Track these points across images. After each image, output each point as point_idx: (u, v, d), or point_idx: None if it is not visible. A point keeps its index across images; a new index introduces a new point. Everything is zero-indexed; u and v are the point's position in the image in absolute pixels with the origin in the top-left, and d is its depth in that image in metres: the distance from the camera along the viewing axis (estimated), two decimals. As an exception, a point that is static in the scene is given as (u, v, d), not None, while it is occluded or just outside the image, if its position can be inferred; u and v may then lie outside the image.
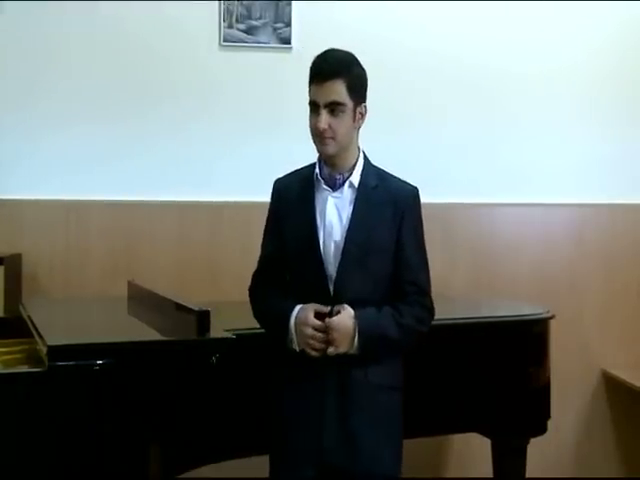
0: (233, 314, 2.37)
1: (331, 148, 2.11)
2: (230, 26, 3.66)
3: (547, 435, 3.00)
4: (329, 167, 2.17)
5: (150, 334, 2.46)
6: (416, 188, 2.23)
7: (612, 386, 3.93)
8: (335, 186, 2.17)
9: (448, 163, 3.84)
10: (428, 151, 3.82)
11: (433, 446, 3.75)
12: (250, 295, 2.31)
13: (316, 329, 2.09)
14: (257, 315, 2.28)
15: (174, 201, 3.62)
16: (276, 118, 3.63)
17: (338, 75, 2.07)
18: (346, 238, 2.13)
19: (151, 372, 2.15)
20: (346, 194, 2.17)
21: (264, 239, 2.30)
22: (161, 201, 3.62)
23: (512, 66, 3.89)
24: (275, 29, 3.68)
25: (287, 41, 3.67)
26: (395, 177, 2.25)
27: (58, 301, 3.28)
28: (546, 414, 2.98)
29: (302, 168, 2.27)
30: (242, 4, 3.66)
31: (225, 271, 3.47)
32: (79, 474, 2.04)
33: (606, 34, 3.95)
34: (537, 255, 3.90)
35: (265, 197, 2.33)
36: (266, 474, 2.27)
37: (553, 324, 3.02)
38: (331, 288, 2.14)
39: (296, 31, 3.66)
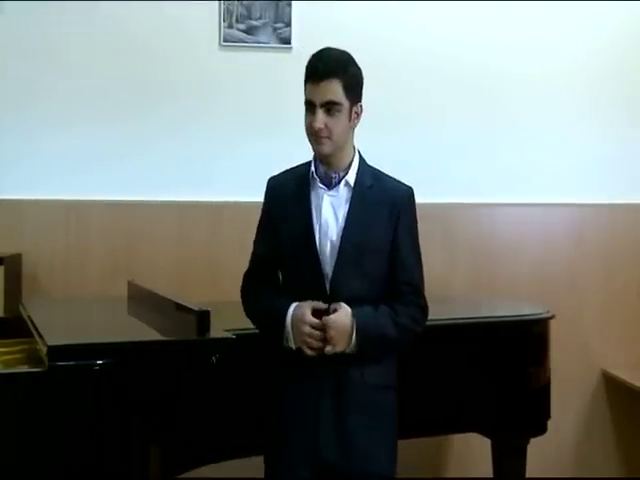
0: (233, 314, 2.37)
1: (327, 147, 2.11)
2: (230, 26, 3.66)
3: (547, 435, 3.00)
4: (324, 166, 2.17)
5: (150, 334, 2.46)
6: (411, 188, 2.23)
7: (612, 386, 3.93)
8: (331, 185, 2.17)
9: (448, 163, 3.84)
10: (428, 151, 3.82)
11: (433, 446, 3.75)
12: (242, 294, 2.29)
13: (313, 327, 2.08)
14: (250, 314, 2.26)
15: (174, 201, 3.62)
16: (276, 118, 3.63)
17: (334, 74, 2.06)
18: (342, 237, 2.13)
19: (151, 372, 2.15)
20: (342, 193, 2.16)
21: (257, 237, 2.29)
22: (161, 201, 3.62)
23: (512, 66, 3.89)
24: (275, 29, 3.68)
25: (287, 41, 3.67)
26: (390, 177, 2.25)
27: (58, 301, 3.28)
28: (546, 414, 2.98)
29: (297, 166, 2.26)
30: (242, 4, 3.66)
31: (225, 271, 3.47)
32: (79, 474, 2.04)
33: (606, 34, 3.95)
34: (537, 255, 3.90)
35: (265, 197, 2.33)
36: (266, 474, 2.28)
37: (553, 324, 3.02)
38: (327, 287, 2.13)
39: (296, 31, 3.66)
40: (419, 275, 2.23)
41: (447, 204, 3.81)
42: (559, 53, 3.93)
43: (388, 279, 2.18)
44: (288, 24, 3.68)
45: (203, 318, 2.26)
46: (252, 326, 2.30)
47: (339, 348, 2.08)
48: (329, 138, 2.09)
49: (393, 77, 3.76)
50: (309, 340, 2.08)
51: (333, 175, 2.17)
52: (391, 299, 2.17)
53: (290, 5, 3.68)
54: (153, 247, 3.59)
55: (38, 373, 2.05)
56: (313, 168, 2.18)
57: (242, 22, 3.66)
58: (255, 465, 2.38)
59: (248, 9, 3.66)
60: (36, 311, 2.64)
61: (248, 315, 2.27)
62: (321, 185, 2.17)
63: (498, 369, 2.82)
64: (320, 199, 2.16)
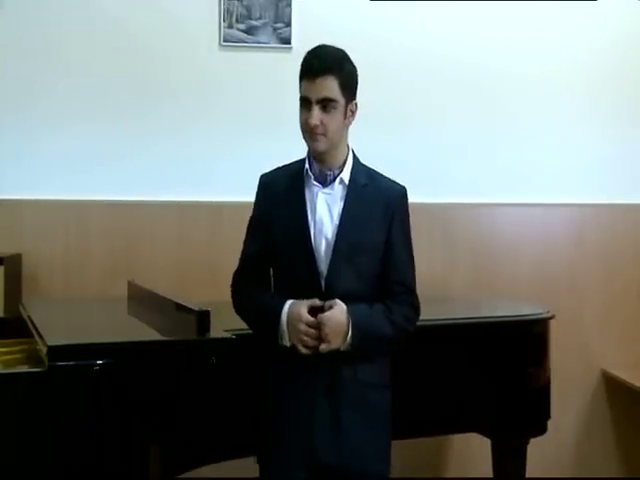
0: (233, 314, 2.37)
1: (321, 144, 2.10)
2: (230, 26, 3.66)
3: (547, 435, 3.00)
4: (319, 163, 2.16)
5: (150, 334, 2.46)
6: (404, 188, 2.23)
7: (612, 386, 3.93)
8: (325, 182, 2.16)
9: (448, 163, 3.84)
10: (428, 151, 3.82)
11: (433, 446, 3.75)
12: (233, 292, 2.26)
13: (309, 325, 2.06)
14: (242, 312, 2.23)
15: (174, 201, 3.62)
16: (276, 118, 3.63)
17: (330, 71, 2.06)
18: (337, 235, 2.12)
19: (151, 372, 2.15)
20: (336, 190, 2.16)
21: (248, 235, 2.27)
22: (161, 201, 3.62)
23: (512, 66, 3.89)
24: (275, 29, 3.68)
25: (287, 41, 3.67)
26: (384, 176, 2.24)
27: (58, 301, 3.28)
28: (546, 414, 2.98)
29: (289, 164, 2.25)
30: (242, 4, 3.66)
31: (225, 271, 3.43)
32: (79, 474, 2.04)
33: (606, 34, 3.95)
34: (537, 255, 3.90)
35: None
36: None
37: (553, 324, 3.02)
38: (323, 285, 2.12)
39: (296, 31, 3.66)
40: (412, 274, 2.22)
41: (447, 204, 3.82)
42: (559, 53, 3.93)
43: (381, 278, 2.17)
44: (288, 24, 3.68)
45: (203, 318, 2.26)
46: (252, 326, 2.30)
47: (334, 345, 2.07)
48: (324, 135, 2.08)
49: (393, 77, 3.76)
50: (305, 338, 2.07)
51: (328, 173, 2.16)
52: (384, 298, 2.17)
53: (290, 5, 3.68)
54: (153, 247, 3.59)
55: (38, 373, 2.05)
56: (307, 165, 2.17)
57: (242, 22, 3.66)
58: (255, 465, 2.38)
59: (248, 9, 3.67)
60: (36, 311, 2.64)
61: (240, 313, 2.24)
62: (315, 183, 2.16)
63: (498, 369, 2.82)
64: (315, 197, 2.15)
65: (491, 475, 3.10)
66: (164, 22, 3.63)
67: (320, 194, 2.15)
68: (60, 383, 2.03)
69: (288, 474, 2.14)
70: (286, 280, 2.18)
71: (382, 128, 3.71)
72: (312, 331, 2.06)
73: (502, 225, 3.90)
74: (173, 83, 3.65)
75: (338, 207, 2.14)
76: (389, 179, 2.24)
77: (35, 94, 3.55)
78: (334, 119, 2.08)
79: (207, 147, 3.66)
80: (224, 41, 3.66)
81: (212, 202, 3.62)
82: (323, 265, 2.12)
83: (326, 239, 2.13)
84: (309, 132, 2.09)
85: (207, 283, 3.50)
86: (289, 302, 2.11)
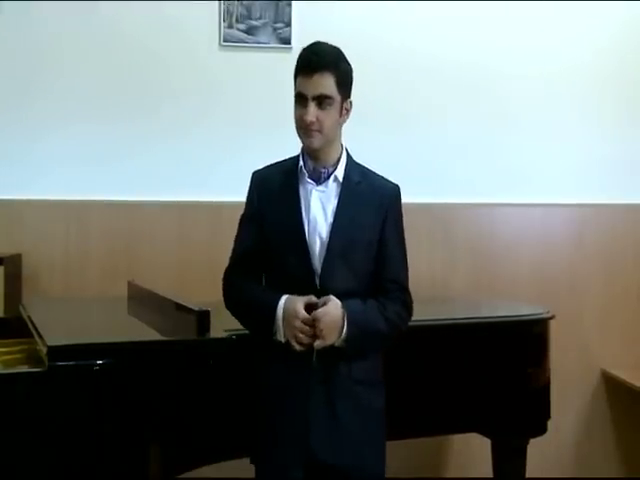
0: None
1: (317, 141, 2.09)
2: (230, 26, 3.66)
3: (547, 435, 3.00)
4: (313, 160, 2.16)
5: (150, 334, 2.47)
6: (397, 186, 2.23)
7: (612, 386, 3.93)
8: (319, 180, 2.15)
9: (448, 163, 3.84)
10: (428, 151, 3.82)
11: (433, 446, 3.75)
12: (225, 289, 2.23)
13: (304, 322, 2.04)
14: (234, 306, 2.21)
15: (174, 201, 3.62)
16: (276, 118, 3.60)
17: (327, 68, 2.05)
18: (331, 233, 2.12)
19: (151, 372, 2.16)
20: (330, 188, 2.15)
21: (240, 231, 2.25)
22: (161, 201, 3.62)
23: (512, 66, 3.89)
24: (275, 29, 3.68)
25: (287, 41, 3.67)
26: (377, 174, 2.24)
27: (58, 301, 3.28)
28: (546, 414, 2.98)
29: (282, 161, 2.24)
30: (242, 4, 3.66)
31: (225, 271, 3.47)
32: (79, 474, 2.05)
33: (606, 35, 3.95)
34: (537, 255, 3.90)
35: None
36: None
37: (553, 324, 3.02)
38: (317, 282, 2.11)
39: (296, 31, 3.66)
40: (405, 272, 2.23)
41: (447, 204, 3.82)
42: (559, 54, 3.93)
43: (374, 276, 2.17)
44: (288, 24, 3.68)
45: (203, 318, 2.27)
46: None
47: (329, 342, 2.06)
48: (320, 132, 2.08)
49: (393, 77, 3.76)
50: (300, 335, 2.05)
51: (322, 170, 2.15)
52: (377, 295, 2.16)
53: (290, 5, 3.68)
54: (153, 247, 3.59)
55: (38, 373, 2.06)
56: (302, 162, 2.17)
57: (242, 22, 3.66)
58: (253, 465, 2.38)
59: (248, 9, 3.67)
60: (36, 311, 2.64)
61: (232, 308, 2.21)
62: (309, 180, 2.15)
63: (498, 369, 2.82)
64: (309, 194, 2.15)
65: (491, 475, 3.10)
66: (164, 22, 3.63)
67: (314, 192, 2.15)
68: (60, 383, 2.03)
69: (285, 473, 2.13)
70: (279, 277, 2.16)
71: (382, 128, 3.71)
72: (307, 328, 2.05)
73: (502, 225, 3.90)
74: (173, 83, 3.65)
75: (332, 205, 2.14)
76: (383, 177, 2.24)
77: (36, 94, 3.55)
78: (330, 116, 2.08)
79: (207, 147, 3.66)
80: (224, 41, 3.66)
81: (212, 202, 3.62)
82: (317, 263, 2.12)
83: (320, 237, 2.13)
84: (304, 128, 2.08)
85: (207, 283, 3.46)
86: (284, 297, 2.09)
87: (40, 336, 2.21)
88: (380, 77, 3.71)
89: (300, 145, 2.17)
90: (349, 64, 2.13)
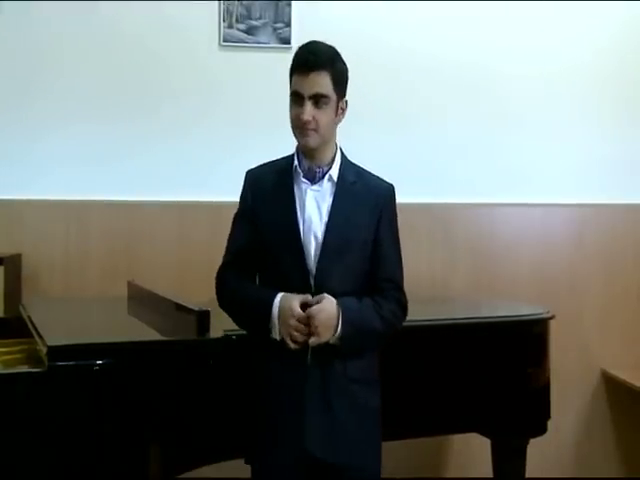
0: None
1: (312, 140, 2.09)
2: (230, 26, 3.66)
3: (547, 435, 3.00)
4: (308, 160, 2.15)
5: (150, 334, 2.47)
6: (392, 185, 2.23)
7: (612, 386, 3.93)
8: (314, 179, 2.15)
9: (448, 163, 3.84)
10: (428, 151, 3.82)
11: (433, 446, 3.75)
12: (218, 287, 2.22)
13: (299, 320, 2.04)
14: (228, 304, 2.19)
15: (174, 201, 3.62)
16: (276, 118, 3.60)
17: (323, 67, 2.05)
18: (326, 232, 2.11)
19: (151, 372, 2.16)
20: (325, 188, 2.15)
21: (234, 230, 2.24)
22: (161, 201, 3.62)
23: (512, 66, 3.89)
24: (275, 29, 3.68)
25: (287, 41, 3.67)
26: (372, 174, 2.24)
27: (58, 301, 3.28)
28: (546, 414, 2.98)
29: (276, 160, 2.24)
30: (242, 4, 3.66)
31: (225, 271, 3.47)
32: (79, 474, 2.05)
33: (606, 35, 3.95)
34: (537, 255, 3.90)
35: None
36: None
37: (553, 324, 3.02)
38: (312, 281, 2.11)
39: (296, 31, 3.66)
40: (400, 272, 2.22)
41: (447, 204, 3.82)
42: (559, 53, 3.93)
43: (369, 275, 2.17)
44: (288, 24, 3.68)
45: (203, 318, 2.27)
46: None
47: (324, 339, 2.05)
48: (316, 131, 2.07)
49: (393, 77, 3.76)
50: (295, 334, 2.05)
51: (317, 169, 2.15)
52: (372, 294, 2.16)
53: (290, 5, 3.68)
54: (153, 247, 3.59)
55: (38, 373, 2.06)
56: (296, 162, 2.16)
57: (242, 22, 3.66)
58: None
59: (248, 9, 3.67)
60: (36, 311, 2.64)
61: (225, 306, 2.20)
62: (304, 179, 2.15)
63: (498, 369, 2.82)
64: (303, 194, 2.14)
65: (491, 475, 3.10)
66: (164, 22, 3.63)
67: (309, 191, 2.14)
68: (60, 383, 2.03)
69: (281, 473, 2.13)
70: (274, 276, 2.15)
71: (382, 128, 3.71)
72: (302, 326, 2.04)
73: (502, 225, 3.90)
74: (173, 83, 3.65)
75: (327, 204, 2.14)
76: (377, 177, 2.24)
77: (36, 94, 3.55)
78: (326, 115, 2.08)
79: (207, 147, 3.66)
80: (224, 41, 3.66)
81: (212, 202, 3.62)
82: (312, 262, 2.11)
83: (315, 236, 2.12)
84: (300, 128, 2.08)
85: (207, 283, 3.45)
86: (280, 295, 2.08)
87: (40, 336, 2.22)
88: (380, 77, 3.72)
89: (295, 144, 2.17)
90: (344, 63, 2.13)
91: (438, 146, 3.83)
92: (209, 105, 3.66)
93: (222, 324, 2.30)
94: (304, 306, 2.06)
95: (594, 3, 3.92)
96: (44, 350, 2.08)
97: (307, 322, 2.04)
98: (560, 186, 3.94)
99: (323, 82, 2.05)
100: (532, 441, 2.98)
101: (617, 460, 3.98)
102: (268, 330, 2.09)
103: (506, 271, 3.85)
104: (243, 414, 2.25)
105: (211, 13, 3.65)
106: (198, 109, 3.66)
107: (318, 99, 2.06)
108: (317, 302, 2.06)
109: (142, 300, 2.88)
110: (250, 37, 3.68)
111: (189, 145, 3.65)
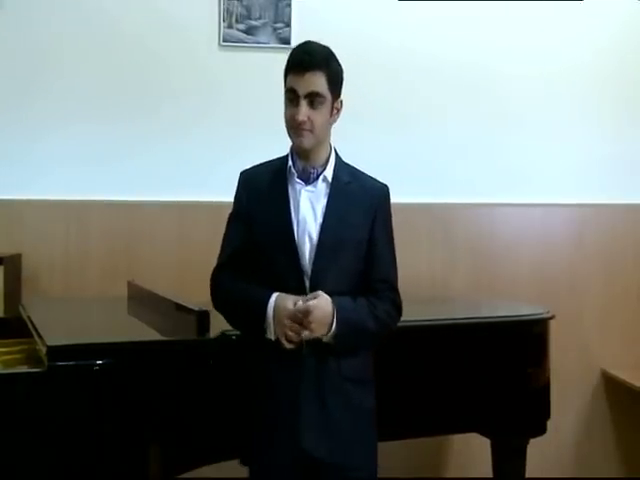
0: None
1: (307, 140, 2.09)
2: (230, 26, 3.66)
3: (547, 435, 3.00)
4: (303, 160, 2.15)
5: (150, 334, 2.47)
6: (387, 186, 2.22)
7: (612, 386, 3.93)
8: (309, 180, 2.15)
9: (448, 163, 3.84)
10: (428, 151, 3.82)
11: (433, 446, 3.75)
12: (212, 287, 2.22)
13: (294, 316, 2.03)
14: (222, 304, 2.19)
15: (174, 201, 3.62)
16: (276, 118, 3.60)
17: (319, 67, 2.05)
18: (320, 233, 2.11)
19: (151, 372, 2.16)
20: (320, 188, 2.14)
21: (228, 231, 2.24)
22: (161, 201, 3.62)
23: (512, 66, 3.89)
24: (275, 29, 3.68)
25: (287, 41, 3.67)
26: (366, 175, 2.23)
27: (58, 301, 3.28)
28: (546, 414, 2.98)
29: (271, 160, 2.24)
30: (242, 4, 3.66)
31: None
32: (79, 474, 2.05)
33: (606, 35, 3.95)
34: (537, 255, 3.90)
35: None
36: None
37: (553, 324, 3.02)
38: (307, 283, 2.10)
39: (296, 31, 3.66)
40: (394, 272, 2.22)
41: (447, 204, 3.81)
42: (559, 54, 3.93)
43: (364, 276, 2.17)
44: (288, 24, 3.68)
45: (203, 318, 2.27)
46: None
47: (317, 334, 2.04)
48: (311, 131, 2.07)
49: (393, 77, 3.76)
50: (290, 333, 2.04)
51: (311, 170, 2.14)
52: (367, 294, 2.15)
53: (290, 5, 3.68)
54: (153, 247, 3.59)
55: (38, 373, 2.06)
56: (291, 162, 2.16)
57: (242, 22, 3.66)
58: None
59: (248, 9, 3.67)
60: (36, 311, 2.64)
61: (221, 308, 2.19)
62: (298, 180, 2.15)
63: (498, 369, 2.82)
64: (298, 194, 2.14)
65: (491, 475, 3.10)
66: (164, 22, 3.63)
67: (303, 192, 2.14)
68: (60, 383, 2.03)
69: (278, 473, 2.12)
70: (268, 277, 2.14)
71: (382, 128, 3.71)
72: (297, 326, 2.04)
73: (502, 225, 3.90)
74: (173, 83, 3.65)
75: (321, 205, 2.13)
76: (371, 177, 2.24)
77: (36, 94, 3.55)
78: (321, 115, 2.07)
79: (207, 147, 3.66)
80: (224, 41, 3.66)
81: (212, 202, 3.61)
82: (307, 263, 2.11)
83: (310, 237, 2.12)
84: (295, 128, 2.08)
85: (207, 283, 3.46)
86: (275, 295, 2.08)
87: (40, 336, 2.21)
88: (380, 77, 3.72)
89: (290, 144, 2.17)
90: (339, 64, 2.13)
91: (438, 146, 3.83)
92: (209, 105, 3.67)
93: (222, 324, 2.30)
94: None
95: (594, 3, 3.92)
96: (44, 350, 2.08)
97: (301, 321, 2.03)
98: (560, 186, 3.94)
99: (319, 82, 2.05)
100: (532, 441, 2.98)
101: (617, 460, 3.98)
102: (263, 330, 2.08)
103: (506, 271, 3.85)
104: (243, 414, 2.25)
105: (211, 13, 3.65)
106: (198, 109, 3.66)
107: (313, 98, 2.06)
108: (313, 297, 2.05)
109: (142, 300, 2.88)
110: (250, 37, 3.68)
111: (189, 145, 3.65)
